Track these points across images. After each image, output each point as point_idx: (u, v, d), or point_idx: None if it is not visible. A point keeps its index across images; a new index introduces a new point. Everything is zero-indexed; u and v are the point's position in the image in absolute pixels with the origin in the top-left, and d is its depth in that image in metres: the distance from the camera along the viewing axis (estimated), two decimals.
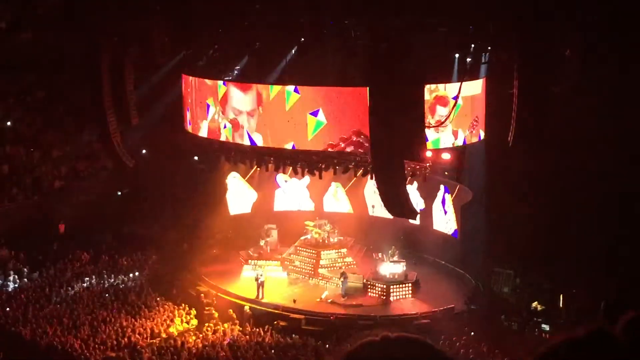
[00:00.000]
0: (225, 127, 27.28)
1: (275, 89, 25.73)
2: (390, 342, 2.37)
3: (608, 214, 24.81)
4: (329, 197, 33.49)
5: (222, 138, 27.68)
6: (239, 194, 33.51)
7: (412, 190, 29.12)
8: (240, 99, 26.67)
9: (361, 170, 27.11)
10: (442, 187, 29.62)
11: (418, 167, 26.38)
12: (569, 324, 23.59)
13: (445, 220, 29.72)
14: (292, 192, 33.50)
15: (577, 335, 2.35)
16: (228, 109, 26.95)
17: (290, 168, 29.16)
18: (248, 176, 32.91)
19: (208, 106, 27.64)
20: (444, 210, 29.69)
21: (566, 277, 25.18)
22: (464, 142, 26.12)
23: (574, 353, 2.30)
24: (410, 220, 27.70)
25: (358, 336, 2.45)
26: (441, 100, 25.19)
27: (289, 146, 25.92)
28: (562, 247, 25.05)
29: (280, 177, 32.85)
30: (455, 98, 24.29)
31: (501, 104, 25.29)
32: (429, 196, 30.05)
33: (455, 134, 25.71)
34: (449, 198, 29.45)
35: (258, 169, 30.46)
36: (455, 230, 29.20)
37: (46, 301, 26.29)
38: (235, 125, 26.88)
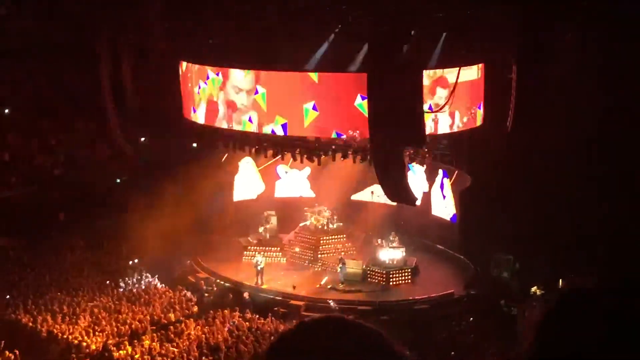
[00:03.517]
0: (220, 112, 27.41)
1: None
2: (306, 327, 2.33)
3: (609, 198, 24.80)
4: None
5: (218, 124, 27.78)
6: (247, 180, 33.34)
7: (420, 172, 29.10)
8: (241, 78, 26.92)
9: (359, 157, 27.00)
10: (440, 171, 29.60)
11: (417, 152, 26.30)
12: None
13: (444, 205, 29.71)
14: (292, 184, 33.39)
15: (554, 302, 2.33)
16: (228, 88, 27.03)
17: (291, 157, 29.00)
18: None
19: (202, 89, 27.85)
20: (443, 194, 29.69)
21: (565, 261, 25.19)
22: (462, 126, 26.09)
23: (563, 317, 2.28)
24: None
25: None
26: (441, 82, 25.15)
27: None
28: (561, 231, 25.06)
29: (281, 169, 32.76)
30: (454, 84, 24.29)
31: (500, 89, 25.26)
32: (428, 181, 29.99)
33: (452, 115, 25.61)
34: (447, 183, 29.44)
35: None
36: (454, 214, 29.19)
37: (46, 289, 26.32)
38: (232, 106, 26.95)
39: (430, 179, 29.98)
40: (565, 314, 2.29)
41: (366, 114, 23.92)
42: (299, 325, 2.32)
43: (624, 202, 24.62)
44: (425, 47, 24.07)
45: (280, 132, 26.44)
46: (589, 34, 25.29)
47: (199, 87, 28.28)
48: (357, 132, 24.90)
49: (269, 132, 26.60)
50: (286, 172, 32.93)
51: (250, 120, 26.77)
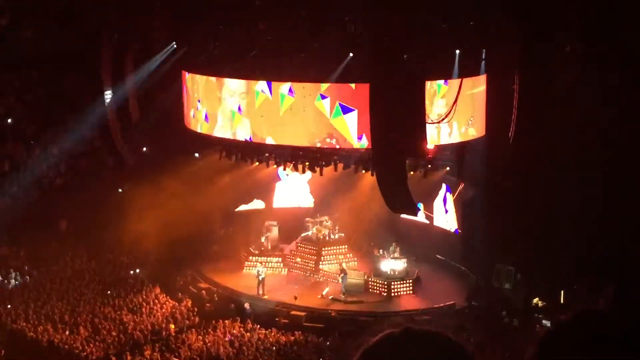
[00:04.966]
0: (220, 122, 27.36)
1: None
2: (412, 335, 2.25)
3: (610, 210, 24.73)
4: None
5: (217, 133, 27.67)
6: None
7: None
8: (235, 83, 26.80)
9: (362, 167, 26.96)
10: (443, 185, 29.50)
11: (419, 162, 26.20)
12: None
13: (445, 220, 29.62)
14: (292, 186, 33.37)
15: (566, 319, 2.30)
16: (224, 92, 26.99)
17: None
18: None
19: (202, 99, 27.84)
20: (445, 209, 29.59)
21: (567, 273, 25.12)
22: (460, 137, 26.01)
23: (569, 336, 2.25)
24: (412, 217, 27.67)
25: (373, 330, 2.32)
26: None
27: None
28: (562, 243, 24.99)
29: (282, 171, 32.70)
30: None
31: (502, 100, 25.23)
32: (430, 194, 29.84)
33: (450, 125, 25.45)
34: (450, 197, 29.34)
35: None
36: (456, 229, 29.11)
37: (47, 298, 26.29)
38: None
39: (433, 193, 29.87)
40: (569, 336, 2.26)
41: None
42: (404, 332, 2.24)
43: (627, 213, 24.54)
44: (427, 58, 24.05)
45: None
46: (590, 44, 25.28)
47: (199, 97, 28.19)
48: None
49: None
50: (287, 175, 32.83)
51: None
